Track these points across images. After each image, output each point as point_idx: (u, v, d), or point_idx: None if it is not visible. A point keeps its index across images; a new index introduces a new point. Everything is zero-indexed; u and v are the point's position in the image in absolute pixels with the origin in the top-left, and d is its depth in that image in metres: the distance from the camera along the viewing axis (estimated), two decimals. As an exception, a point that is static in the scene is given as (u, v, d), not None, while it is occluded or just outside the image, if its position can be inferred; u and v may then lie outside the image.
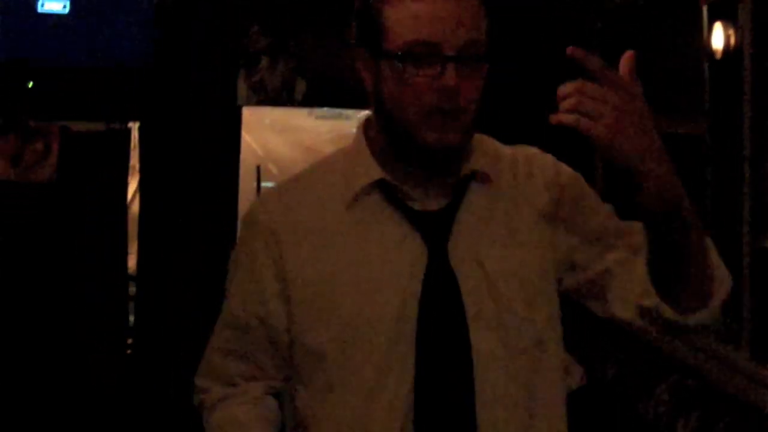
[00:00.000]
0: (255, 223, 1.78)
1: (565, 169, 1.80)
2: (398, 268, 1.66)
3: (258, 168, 5.30)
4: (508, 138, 1.85)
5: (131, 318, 4.67)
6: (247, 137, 5.01)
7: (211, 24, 4.45)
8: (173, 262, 4.57)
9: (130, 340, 4.66)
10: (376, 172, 1.68)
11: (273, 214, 1.76)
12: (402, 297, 1.65)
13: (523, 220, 1.72)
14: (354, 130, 1.79)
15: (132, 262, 4.76)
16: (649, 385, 3.44)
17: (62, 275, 4.49)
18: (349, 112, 5.16)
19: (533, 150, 1.82)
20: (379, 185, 1.69)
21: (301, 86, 4.79)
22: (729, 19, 3.18)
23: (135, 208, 4.77)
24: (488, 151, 1.75)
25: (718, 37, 3.22)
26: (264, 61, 4.72)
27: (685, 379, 3.43)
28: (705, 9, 3.31)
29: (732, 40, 3.17)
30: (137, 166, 4.72)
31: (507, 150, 1.80)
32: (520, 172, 1.76)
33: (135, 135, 4.71)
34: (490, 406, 1.64)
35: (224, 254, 4.61)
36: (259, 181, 5.22)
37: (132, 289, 4.67)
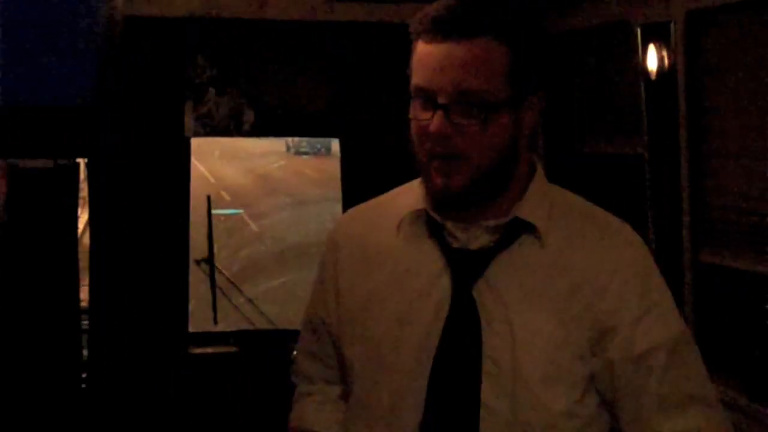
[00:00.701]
0: (331, 233, 1.88)
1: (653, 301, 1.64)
2: (426, 303, 1.66)
3: (208, 197, 5.31)
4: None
5: (85, 352, 4.66)
6: (199, 166, 5.03)
7: (155, 57, 4.47)
8: (126, 295, 4.57)
9: (84, 374, 4.65)
10: (419, 203, 1.70)
11: (342, 228, 1.87)
12: (424, 333, 1.65)
13: (571, 296, 1.62)
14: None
15: (84, 294, 4.76)
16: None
17: (14, 311, 4.48)
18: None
19: (632, 238, 1.70)
20: (426, 217, 1.70)
21: (248, 116, 4.82)
22: (662, 41, 3.25)
23: (86, 239, 4.76)
24: (556, 205, 1.68)
25: (652, 59, 3.30)
26: (211, 93, 4.75)
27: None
28: (639, 31, 3.38)
29: (665, 61, 3.25)
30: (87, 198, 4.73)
31: (594, 212, 1.72)
32: (596, 251, 1.65)
33: (84, 169, 4.72)
34: None
35: (176, 285, 4.66)
36: (210, 211, 5.23)
37: (85, 323, 4.67)
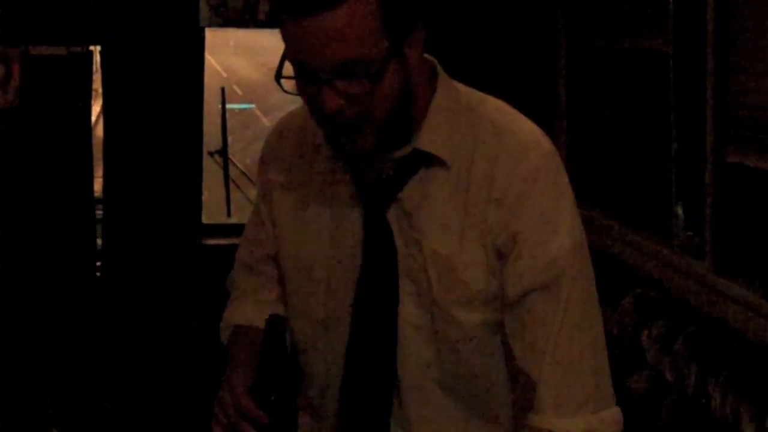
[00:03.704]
0: (263, 148, 1.85)
1: (530, 201, 1.61)
2: (347, 227, 1.68)
3: (223, 90, 5.26)
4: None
5: (99, 241, 4.67)
6: (210, 59, 4.95)
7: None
8: (139, 185, 4.57)
9: (98, 263, 4.66)
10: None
11: (270, 144, 1.84)
12: (348, 256, 1.68)
13: (474, 214, 1.62)
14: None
15: (98, 185, 4.75)
16: (613, 298, 3.49)
17: (28, 200, 4.48)
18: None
19: (530, 144, 1.64)
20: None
21: (264, 7, 4.74)
22: (692, -67, 3.17)
23: (99, 131, 4.74)
24: (461, 118, 1.65)
25: (682, -48, 3.22)
26: (226, -19, 4.67)
27: (649, 291, 3.48)
28: None
29: (695, -46, 3.17)
30: (100, 89, 4.69)
31: (498, 120, 1.66)
32: (494, 163, 1.62)
33: (97, 59, 4.67)
34: (411, 375, 1.68)
35: (190, 177, 4.64)
36: (224, 103, 5.18)
37: (99, 213, 4.67)
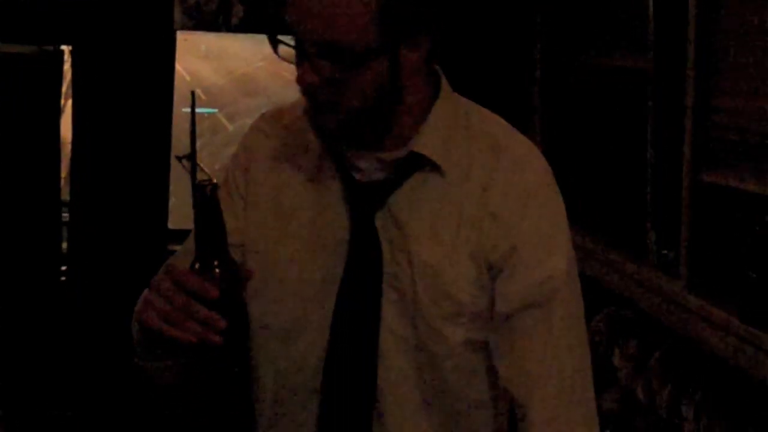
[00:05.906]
0: (245, 137, 1.78)
1: (528, 221, 1.58)
2: (330, 231, 1.63)
3: (193, 93, 5.19)
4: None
5: (64, 245, 4.61)
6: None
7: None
8: (106, 188, 4.51)
9: (63, 267, 4.60)
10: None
11: (256, 134, 1.76)
12: (329, 259, 1.62)
13: (468, 226, 1.59)
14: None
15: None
16: (585, 316, 3.48)
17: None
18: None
19: (529, 161, 1.63)
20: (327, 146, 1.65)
21: (237, 11, 4.70)
22: (675, -48, 3.17)
23: (64, 131, 4.67)
24: (458, 129, 1.62)
25: (664, -30, 3.22)
26: (200, -16, 4.63)
27: (622, 310, 3.47)
28: (651, -59, 3.29)
29: (678, -28, 3.16)
30: (68, 91, 4.63)
31: (497, 134, 1.64)
32: (491, 177, 1.60)
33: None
34: (392, 388, 1.62)
35: (157, 179, 4.58)
36: (193, 107, 5.11)
37: (65, 215, 4.60)
